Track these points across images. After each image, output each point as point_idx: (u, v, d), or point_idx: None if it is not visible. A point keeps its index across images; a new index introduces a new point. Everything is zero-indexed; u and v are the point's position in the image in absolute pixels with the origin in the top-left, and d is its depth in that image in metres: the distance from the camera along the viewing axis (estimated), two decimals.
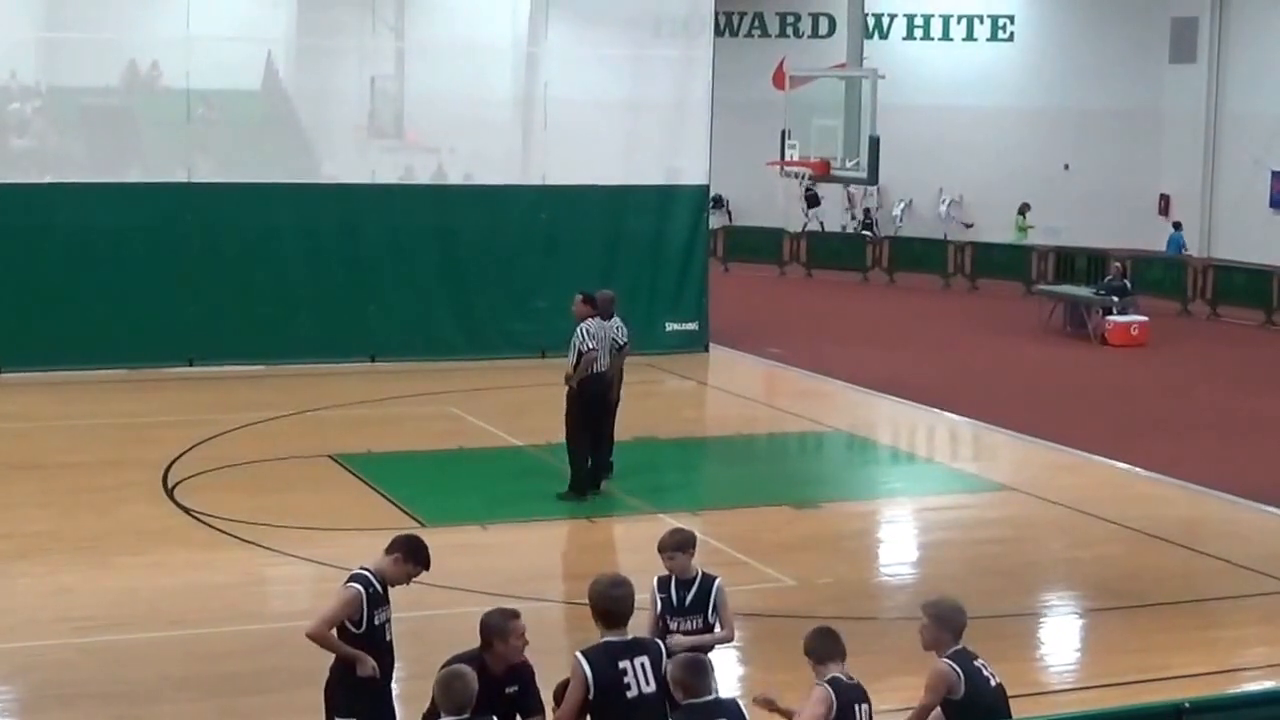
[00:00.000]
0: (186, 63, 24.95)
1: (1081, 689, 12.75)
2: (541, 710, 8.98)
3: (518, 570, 15.39)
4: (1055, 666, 13.60)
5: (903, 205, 44.62)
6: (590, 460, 18.00)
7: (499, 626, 8.83)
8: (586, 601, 8.99)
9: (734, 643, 11.39)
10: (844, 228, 43.91)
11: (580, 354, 17.72)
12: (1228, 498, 18.77)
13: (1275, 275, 33.83)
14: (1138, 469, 20.11)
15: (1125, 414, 23.92)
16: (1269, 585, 15.42)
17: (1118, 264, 32.12)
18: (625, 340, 18.31)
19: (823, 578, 15.43)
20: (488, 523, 17.02)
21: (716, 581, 10.12)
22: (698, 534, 10.77)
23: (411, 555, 9.63)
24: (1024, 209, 38.83)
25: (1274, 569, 15.84)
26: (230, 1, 26.45)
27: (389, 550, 9.66)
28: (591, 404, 17.88)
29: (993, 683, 8.99)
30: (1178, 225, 38.46)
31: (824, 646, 8.82)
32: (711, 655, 9.07)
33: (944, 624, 9.04)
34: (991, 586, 15.04)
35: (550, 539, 17.31)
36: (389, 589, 9.63)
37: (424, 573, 9.74)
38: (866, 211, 44.50)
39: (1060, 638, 14.60)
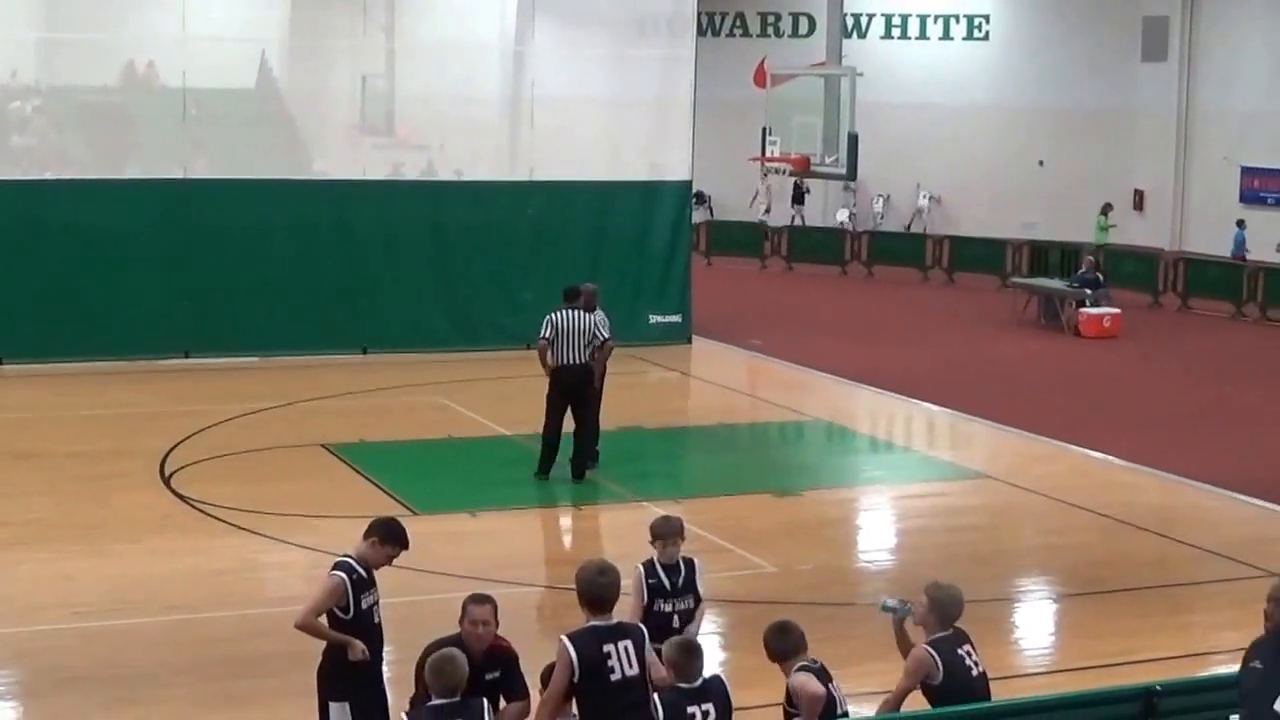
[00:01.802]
0: (183, 62, 25.12)
1: (1055, 672, 12.90)
2: (526, 694, 9.09)
3: (505, 556, 15.55)
4: (1029, 650, 13.80)
5: (881, 200, 44.95)
6: (572, 447, 18.24)
7: (462, 607, 9.02)
8: (573, 587, 9.14)
9: (715, 628, 11.57)
10: (842, 223, 44.10)
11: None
12: (1200, 486, 18.91)
13: (1245, 269, 34.17)
14: (1111, 457, 20.25)
15: (1099, 404, 24.09)
16: (1239, 571, 15.53)
17: (1090, 257, 32.45)
18: (608, 334, 18.28)
19: (803, 564, 15.56)
20: (476, 510, 17.13)
21: (696, 561, 10.41)
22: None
23: (389, 537, 9.77)
24: (1106, 209, 38.77)
25: (1244, 555, 15.99)
26: (225, 3, 26.69)
27: (366, 535, 9.79)
28: (565, 393, 18.08)
29: (974, 671, 9.19)
30: (1241, 223, 37.86)
31: (786, 642, 8.97)
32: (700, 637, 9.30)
33: (935, 608, 9.27)
34: (968, 572, 14.94)
35: (537, 526, 17.56)
36: (373, 573, 9.78)
37: (403, 552, 9.87)
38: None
39: (1034, 622, 14.78)
